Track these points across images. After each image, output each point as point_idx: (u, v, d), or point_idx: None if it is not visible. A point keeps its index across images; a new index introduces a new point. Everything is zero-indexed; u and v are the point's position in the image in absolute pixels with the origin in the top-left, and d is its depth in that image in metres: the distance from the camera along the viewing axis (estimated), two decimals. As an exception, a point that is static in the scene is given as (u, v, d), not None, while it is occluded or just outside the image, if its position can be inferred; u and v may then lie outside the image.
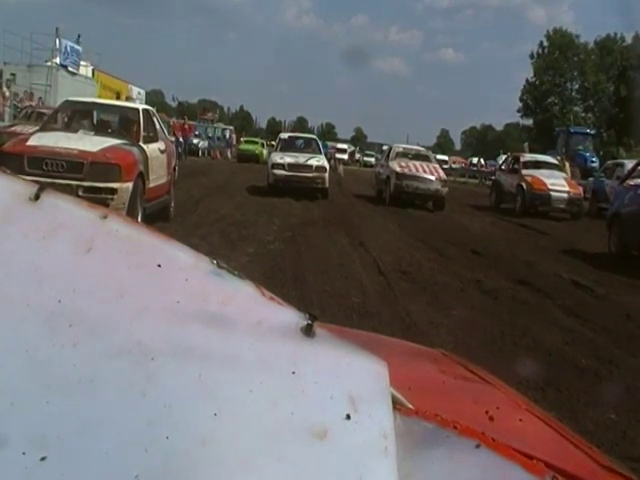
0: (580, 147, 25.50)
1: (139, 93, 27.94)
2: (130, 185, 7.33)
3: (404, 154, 16.15)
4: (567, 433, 0.80)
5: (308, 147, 16.15)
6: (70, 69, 21.35)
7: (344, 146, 46.05)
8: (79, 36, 23.23)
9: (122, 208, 7.08)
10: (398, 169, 14.89)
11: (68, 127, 8.54)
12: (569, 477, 0.54)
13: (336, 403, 0.48)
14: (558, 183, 14.90)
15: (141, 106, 9.84)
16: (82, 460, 0.42)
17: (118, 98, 22.57)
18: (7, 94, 18.27)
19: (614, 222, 8.86)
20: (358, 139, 76.50)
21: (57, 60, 20.65)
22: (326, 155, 17.45)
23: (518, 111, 46.99)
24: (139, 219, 7.25)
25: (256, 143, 36.03)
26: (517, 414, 0.80)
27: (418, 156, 16.11)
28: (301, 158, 14.94)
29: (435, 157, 18.42)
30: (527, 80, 46.18)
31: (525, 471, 0.47)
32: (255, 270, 5.98)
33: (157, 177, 8.45)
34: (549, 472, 0.48)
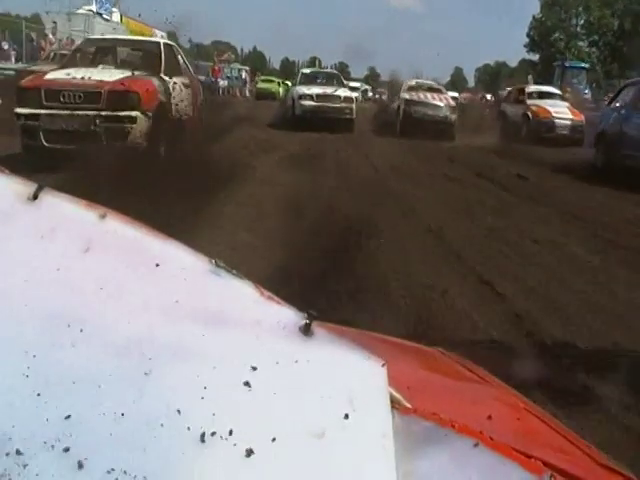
0: (575, 80, 27.40)
1: (162, 36, 29.53)
2: (150, 114, 7.18)
3: (416, 87, 16.18)
4: (565, 432, 0.80)
5: (330, 81, 16.14)
6: (104, 16, 23.64)
7: (356, 84, 46.01)
8: None
9: (143, 137, 7.03)
10: (407, 96, 15.05)
11: (89, 64, 8.42)
12: (567, 476, 0.54)
13: (334, 402, 0.48)
14: (562, 111, 15.65)
15: (162, 40, 9.96)
16: (81, 460, 0.42)
17: None
18: (53, 40, 20.01)
19: (600, 140, 10.09)
20: (372, 78, 75.77)
21: (93, 8, 23.06)
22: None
23: (525, 46, 48.34)
24: (162, 151, 7.34)
25: (273, 82, 39.08)
26: (515, 413, 0.80)
27: (430, 89, 16.13)
28: (329, 89, 14.97)
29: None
30: (533, 16, 47.50)
31: (523, 470, 0.47)
32: (283, 164, 8.71)
33: (181, 110, 8.33)
34: (547, 471, 0.48)
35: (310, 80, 16.11)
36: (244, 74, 39.80)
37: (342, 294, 3.53)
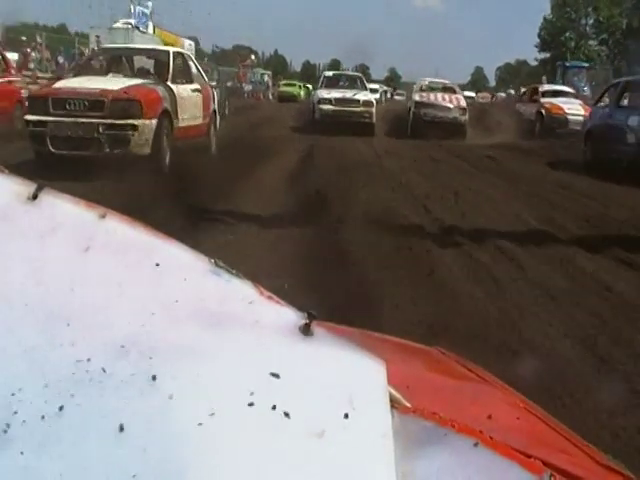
0: (575, 78, 28.52)
1: (190, 45, 32.33)
2: (153, 122, 7.38)
3: (429, 87, 16.22)
4: (565, 431, 0.80)
5: (353, 84, 16.12)
6: (141, 29, 26.46)
7: (375, 86, 46.63)
8: None
9: (146, 145, 7.27)
10: (417, 98, 15.12)
11: (101, 72, 8.86)
12: (567, 475, 0.54)
13: (334, 402, 0.48)
14: (574, 107, 16.19)
15: (172, 49, 10.15)
16: (81, 460, 0.42)
17: None
18: (97, 52, 21.41)
19: (588, 136, 11.03)
20: (392, 79, 75.53)
21: (132, 21, 25.76)
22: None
23: (536, 46, 49.89)
24: (167, 158, 7.69)
25: (294, 85, 42.57)
26: (515, 412, 0.80)
27: (444, 89, 16.16)
28: (348, 93, 14.97)
29: (461, 92, 18.47)
30: (544, 17, 49.08)
31: (523, 469, 0.47)
32: (305, 151, 11.19)
33: (189, 117, 8.53)
34: (547, 470, 0.48)
35: (333, 83, 16.09)
36: (266, 78, 42.50)
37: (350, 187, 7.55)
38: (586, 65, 32.47)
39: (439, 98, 15.17)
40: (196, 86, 9.13)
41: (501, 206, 7.17)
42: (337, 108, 14.55)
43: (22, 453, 0.41)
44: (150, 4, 29.33)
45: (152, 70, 9.13)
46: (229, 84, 29.02)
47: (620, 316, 3.81)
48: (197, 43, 36.90)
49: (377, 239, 5.13)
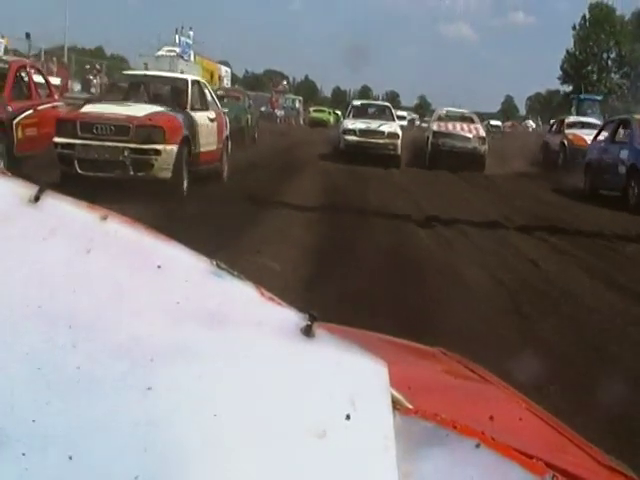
0: (589, 110, 29.07)
1: (226, 71, 35.80)
2: (175, 147, 7.89)
3: (447, 116, 16.04)
4: (567, 432, 0.80)
5: (381, 114, 16.08)
6: (185, 58, 29.39)
7: (403, 113, 47.48)
8: (190, 28, 32.29)
9: (167, 169, 7.78)
10: (435, 127, 14.94)
11: (124, 98, 9.24)
12: (569, 476, 0.54)
13: (336, 403, 0.48)
14: None
15: (190, 77, 10.51)
16: (82, 460, 0.42)
17: (212, 78, 30.23)
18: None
19: (587, 169, 12.19)
20: (422, 107, 75.18)
21: (177, 49, 28.73)
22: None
23: (558, 78, 51.35)
24: (185, 182, 8.24)
25: (324, 111, 44.74)
26: (517, 413, 0.80)
27: (463, 118, 15.97)
28: (373, 124, 14.89)
29: (487, 121, 18.37)
30: (567, 50, 50.27)
31: (525, 470, 0.47)
32: (332, 168, 13.04)
33: (206, 143, 9.03)
34: (549, 471, 0.48)
35: (361, 112, 15.98)
36: (297, 104, 43.55)
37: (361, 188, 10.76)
38: (599, 98, 33.42)
39: (457, 128, 14.93)
40: (211, 114, 9.60)
41: (477, 208, 9.53)
42: (361, 139, 14.48)
43: (23, 454, 0.41)
44: (191, 34, 32.07)
45: (169, 97, 9.60)
46: (263, 109, 30.72)
47: (520, 262, 6.19)
48: (229, 67, 38.92)
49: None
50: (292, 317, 0.52)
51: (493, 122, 41.94)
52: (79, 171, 7.53)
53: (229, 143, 10.55)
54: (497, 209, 9.39)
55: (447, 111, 17.06)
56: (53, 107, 9.63)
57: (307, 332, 0.51)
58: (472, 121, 15.99)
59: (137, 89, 9.88)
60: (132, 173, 7.54)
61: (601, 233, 7.79)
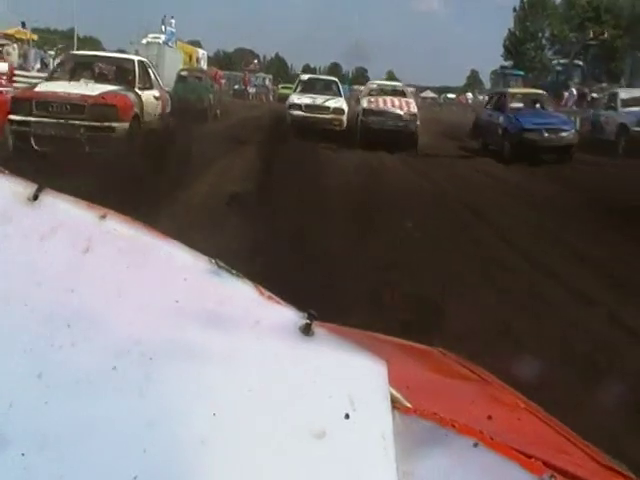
0: (512, 83, 31.18)
1: (203, 54, 37.73)
2: (127, 125, 8.37)
3: (377, 91, 15.49)
4: (566, 432, 0.80)
5: (328, 89, 15.79)
6: (169, 45, 31.19)
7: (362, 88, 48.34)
8: (172, 17, 34.17)
9: (119, 144, 7.97)
10: (365, 105, 14.30)
11: (71, 77, 9.64)
12: (568, 476, 0.54)
13: (335, 402, 0.48)
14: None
15: (136, 57, 11.08)
16: (81, 460, 0.42)
17: (190, 60, 31.98)
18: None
19: (480, 131, 14.89)
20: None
21: (162, 37, 30.73)
22: (351, 98, 16.80)
23: (501, 55, 56.40)
24: (135, 156, 8.27)
25: (290, 88, 47.39)
26: (515, 413, 0.80)
27: (394, 92, 15.35)
28: (319, 99, 14.68)
29: (444, 94, 18.07)
30: (509, 30, 55.77)
31: (523, 470, 0.47)
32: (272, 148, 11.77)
33: (150, 120, 9.53)
34: (547, 471, 0.48)
35: (307, 87, 15.81)
36: (267, 82, 45.87)
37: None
38: (522, 73, 37.28)
39: (388, 104, 14.24)
40: (156, 93, 10.21)
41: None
42: (306, 114, 14.25)
43: (23, 454, 0.41)
44: (173, 22, 34.68)
45: (113, 76, 10.09)
46: (236, 87, 37.33)
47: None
48: (200, 47, 40.36)
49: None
50: (291, 316, 0.52)
51: (450, 95, 49.60)
52: (35, 147, 7.86)
53: (170, 119, 11.10)
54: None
55: (378, 84, 16.46)
56: (-1, 92, 9.34)
57: (306, 331, 0.51)
58: (404, 95, 15.26)
59: (86, 69, 10.24)
60: (87, 149, 7.85)
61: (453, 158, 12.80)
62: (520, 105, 14.14)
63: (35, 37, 28.68)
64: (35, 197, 0.52)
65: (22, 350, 0.45)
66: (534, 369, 2.38)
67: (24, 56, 22.79)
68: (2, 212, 0.51)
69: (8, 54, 21.41)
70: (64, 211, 0.53)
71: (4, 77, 10.89)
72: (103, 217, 0.53)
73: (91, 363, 0.46)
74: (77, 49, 23.24)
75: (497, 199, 8.11)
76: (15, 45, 23.09)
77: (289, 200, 6.35)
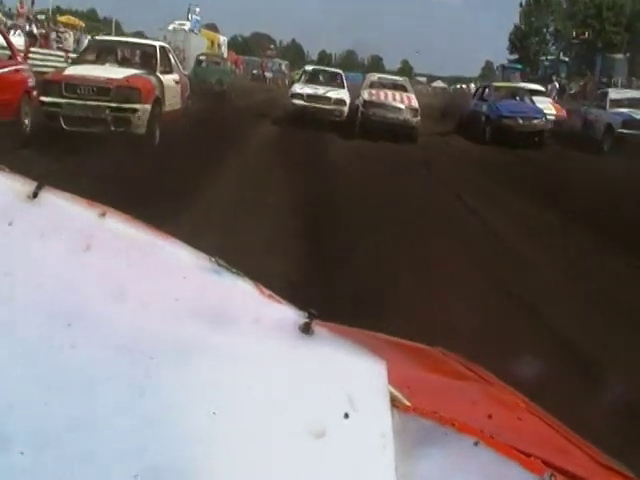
0: (511, 77, 32.56)
1: (223, 40, 40.32)
2: (148, 107, 8.98)
3: (379, 83, 15.61)
4: (566, 431, 0.80)
5: (332, 80, 15.94)
6: (195, 32, 34.23)
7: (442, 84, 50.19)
8: (196, 6, 37.12)
9: (142, 125, 8.88)
10: (366, 96, 14.39)
11: (97, 61, 10.40)
12: (568, 475, 0.54)
13: (334, 402, 0.48)
14: (544, 107, 16.93)
15: (158, 43, 11.64)
16: (82, 460, 0.42)
17: (212, 46, 34.65)
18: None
19: (466, 119, 16.68)
20: (404, 71, 76.68)
21: (188, 26, 33.60)
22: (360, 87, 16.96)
23: (507, 49, 57.56)
24: (157, 138, 9.34)
25: None
26: (516, 412, 0.80)
27: (395, 86, 15.45)
28: (321, 90, 14.82)
29: (454, 85, 18.91)
30: (515, 24, 56.83)
31: (523, 469, 0.47)
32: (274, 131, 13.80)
33: (172, 103, 10.15)
34: (547, 470, 0.48)
35: (313, 78, 15.97)
36: (283, 67, 48.14)
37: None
38: (520, 67, 38.67)
39: (389, 97, 14.30)
40: (176, 77, 10.71)
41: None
42: (308, 104, 14.35)
43: (22, 454, 0.41)
44: (198, 9, 37.46)
45: (136, 60, 10.81)
46: (254, 72, 41.09)
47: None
48: (217, 31, 42.85)
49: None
50: (291, 314, 0.52)
51: (459, 86, 50.57)
52: (64, 127, 8.49)
53: (189, 102, 11.70)
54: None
55: (379, 77, 16.46)
56: (16, 70, 9.29)
57: (306, 330, 0.51)
58: (405, 89, 15.28)
59: (110, 53, 10.89)
60: (112, 129, 8.55)
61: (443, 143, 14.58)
62: (502, 96, 16.35)
63: (82, 24, 32.93)
64: (35, 195, 0.52)
65: (22, 350, 0.45)
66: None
67: (77, 41, 25.93)
68: (1, 210, 0.51)
69: (65, 39, 25.45)
70: (64, 209, 0.52)
71: (19, 55, 10.76)
72: (103, 215, 0.52)
73: (91, 362, 0.46)
74: (115, 35, 25.61)
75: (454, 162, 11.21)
76: (71, 32, 27.16)
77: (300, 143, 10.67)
